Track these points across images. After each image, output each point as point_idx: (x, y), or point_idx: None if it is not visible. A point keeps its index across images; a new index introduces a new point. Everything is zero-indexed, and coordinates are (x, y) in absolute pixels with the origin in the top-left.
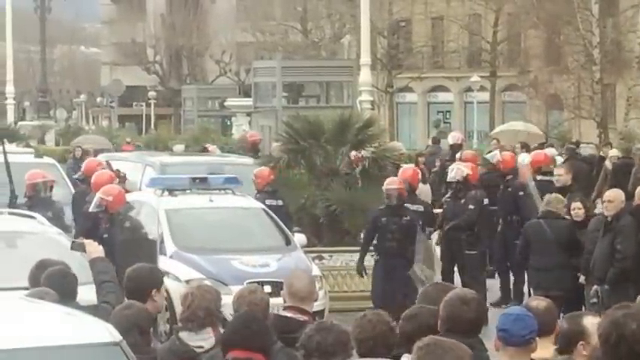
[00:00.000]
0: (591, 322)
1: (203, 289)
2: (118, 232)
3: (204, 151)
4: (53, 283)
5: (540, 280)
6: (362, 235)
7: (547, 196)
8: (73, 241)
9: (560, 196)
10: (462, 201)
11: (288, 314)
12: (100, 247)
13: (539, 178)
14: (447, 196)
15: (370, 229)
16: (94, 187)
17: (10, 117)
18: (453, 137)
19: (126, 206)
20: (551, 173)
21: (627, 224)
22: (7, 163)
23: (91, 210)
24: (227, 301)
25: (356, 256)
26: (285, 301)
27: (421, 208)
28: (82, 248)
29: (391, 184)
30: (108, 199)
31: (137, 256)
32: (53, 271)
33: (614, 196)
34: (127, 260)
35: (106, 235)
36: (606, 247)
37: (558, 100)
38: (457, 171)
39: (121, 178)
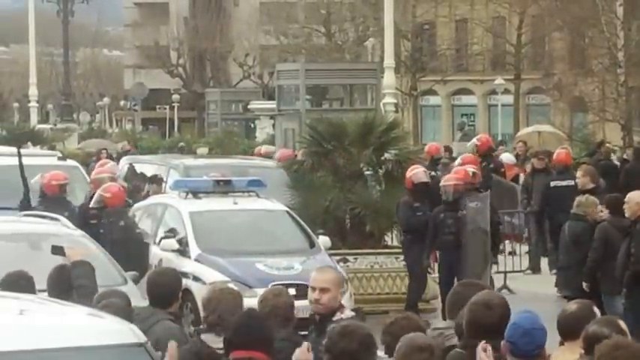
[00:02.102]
0: (624, 325)
1: (225, 292)
2: (112, 231)
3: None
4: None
5: (559, 280)
6: (386, 238)
7: (578, 198)
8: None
9: (592, 198)
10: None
11: None
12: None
13: None
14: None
15: (431, 227)
16: (94, 185)
17: (34, 120)
18: (478, 140)
19: (124, 205)
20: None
21: None
22: (21, 166)
23: (91, 206)
24: (251, 304)
25: (380, 258)
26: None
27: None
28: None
29: (447, 180)
30: (106, 196)
31: (128, 255)
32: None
33: (628, 197)
34: (117, 259)
35: (102, 231)
36: (625, 251)
37: (583, 102)
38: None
39: (157, 181)
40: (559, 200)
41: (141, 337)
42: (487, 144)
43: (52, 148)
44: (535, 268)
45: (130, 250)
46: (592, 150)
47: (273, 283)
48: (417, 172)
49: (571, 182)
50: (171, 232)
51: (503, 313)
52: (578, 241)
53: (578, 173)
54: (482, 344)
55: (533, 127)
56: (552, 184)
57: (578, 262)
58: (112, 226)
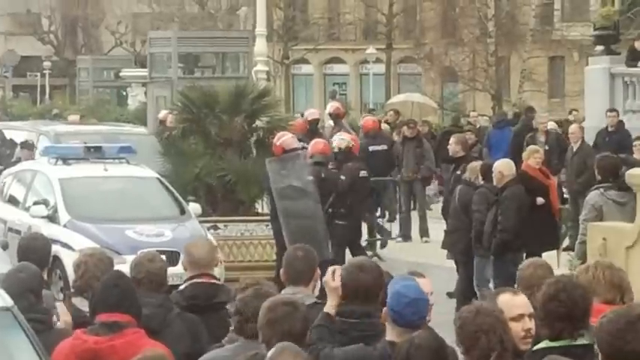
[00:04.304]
0: (504, 300)
1: (96, 258)
2: None
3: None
4: None
5: (445, 243)
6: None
7: (469, 164)
8: None
9: (476, 164)
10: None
11: (203, 280)
12: None
13: None
14: (330, 167)
15: None
16: None
17: None
18: (332, 107)
19: None
20: None
21: (507, 196)
22: None
23: None
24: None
25: (251, 226)
26: (185, 270)
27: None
28: None
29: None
30: None
31: None
32: None
33: (495, 166)
34: None
35: None
36: (492, 219)
37: (453, 72)
38: (339, 141)
39: (28, 147)
40: (376, 164)
41: (7, 302)
42: (338, 111)
43: None
44: (406, 236)
45: None
46: (456, 117)
47: (143, 250)
48: (285, 139)
49: (384, 146)
50: (40, 198)
51: (376, 276)
52: (466, 205)
53: (451, 140)
54: (331, 268)
55: (405, 96)
56: (370, 148)
57: (465, 227)
58: None
